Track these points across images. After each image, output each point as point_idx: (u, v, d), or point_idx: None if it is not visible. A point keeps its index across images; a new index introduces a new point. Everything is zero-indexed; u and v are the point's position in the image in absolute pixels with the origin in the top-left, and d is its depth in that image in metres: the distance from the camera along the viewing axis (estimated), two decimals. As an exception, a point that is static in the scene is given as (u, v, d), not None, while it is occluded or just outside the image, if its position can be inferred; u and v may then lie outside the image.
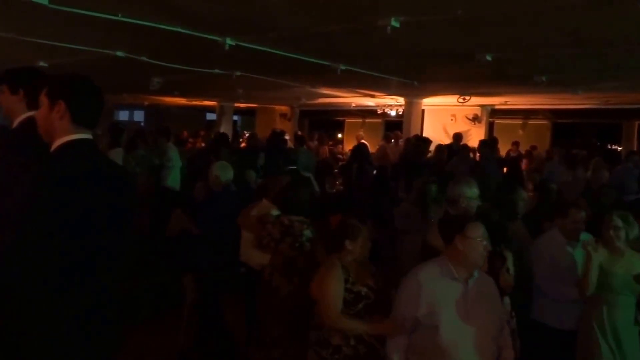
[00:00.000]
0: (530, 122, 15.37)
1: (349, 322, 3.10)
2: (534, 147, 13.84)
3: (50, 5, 4.38)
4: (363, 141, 12.31)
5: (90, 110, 2.17)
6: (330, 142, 14.31)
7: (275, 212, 3.98)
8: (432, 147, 9.64)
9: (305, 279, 3.74)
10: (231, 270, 4.70)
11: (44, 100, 2.13)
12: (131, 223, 2.26)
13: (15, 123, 2.60)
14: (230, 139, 10.02)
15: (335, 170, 9.15)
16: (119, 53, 6.85)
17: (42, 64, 8.02)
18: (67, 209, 1.95)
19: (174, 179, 7.66)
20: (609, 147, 16.42)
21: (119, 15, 4.82)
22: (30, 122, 2.56)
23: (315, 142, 14.13)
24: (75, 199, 1.98)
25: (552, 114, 14.77)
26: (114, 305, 2.17)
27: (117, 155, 7.32)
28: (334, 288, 3.12)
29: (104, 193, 2.09)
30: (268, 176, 4.89)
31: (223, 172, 4.86)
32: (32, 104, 2.58)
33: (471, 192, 3.89)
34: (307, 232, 3.76)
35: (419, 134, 11.83)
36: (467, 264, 2.81)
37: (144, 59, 7.21)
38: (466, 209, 3.77)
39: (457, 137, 10.64)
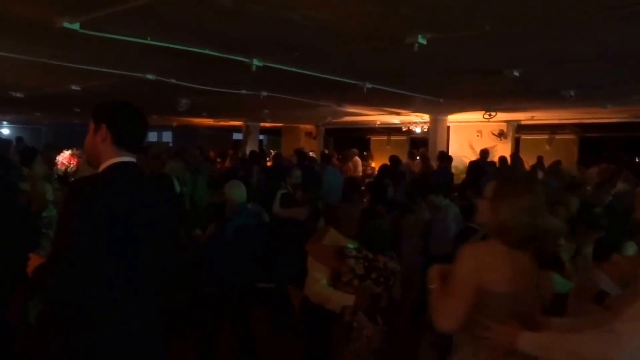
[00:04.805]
0: (557, 137, 15.16)
1: None
2: (558, 162, 13.55)
3: (82, 31, 4.49)
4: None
5: (132, 134, 2.24)
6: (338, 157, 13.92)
7: (351, 244, 3.63)
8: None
9: (389, 319, 3.46)
10: (247, 289, 4.67)
11: (90, 124, 2.24)
12: (171, 240, 2.35)
13: None
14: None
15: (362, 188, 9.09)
16: (148, 76, 6.98)
17: (74, 87, 8.24)
18: (109, 228, 2.02)
19: None
20: (637, 160, 16.03)
21: (149, 39, 4.92)
22: None
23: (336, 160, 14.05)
24: (117, 218, 2.04)
25: (579, 129, 14.55)
26: (159, 315, 2.27)
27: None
28: None
29: (144, 212, 2.16)
30: (337, 204, 4.77)
31: (237, 191, 4.83)
32: None
33: None
34: (392, 265, 3.51)
35: (445, 150, 11.78)
36: None
37: (173, 81, 7.34)
38: None
39: (484, 153, 10.57)
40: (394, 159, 9.82)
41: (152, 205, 2.23)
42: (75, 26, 4.42)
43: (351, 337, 3.41)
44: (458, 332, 2.38)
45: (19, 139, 15.56)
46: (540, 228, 2.24)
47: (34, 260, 2.11)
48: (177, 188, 6.41)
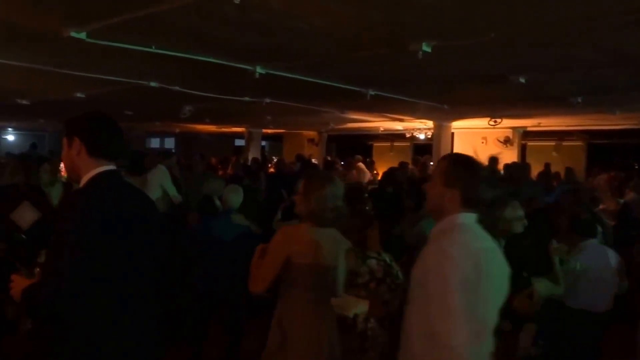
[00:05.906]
0: (564, 143, 15.03)
1: None
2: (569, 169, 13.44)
3: (88, 40, 4.52)
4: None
5: (105, 142, 2.19)
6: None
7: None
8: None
9: (396, 325, 3.47)
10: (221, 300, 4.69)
11: (64, 141, 2.20)
12: (159, 246, 2.30)
13: None
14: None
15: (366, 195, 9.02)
16: (152, 83, 6.98)
17: (79, 95, 8.24)
18: (100, 239, 1.97)
19: None
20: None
21: (153, 47, 4.92)
22: None
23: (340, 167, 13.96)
24: (107, 228, 2.00)
25: (587, 135, 14.41)
26: (155, 325, 2.23)
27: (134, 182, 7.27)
28: None
29: (133, 219, 2.12)
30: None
31: (233, 196, 4.84)
32: None
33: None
34: (398, 272, 3.45)
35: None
36: None
37: (177, 88, 7.33)
38: None
39: (493, 160, 10.44)
40: (400, 165, 9.73)
41: (141, 211, 2.20)
42: (82, 35, 4.45)
43: (366, 347, 3.39)
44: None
45: (32, 146, 15.28)
46: (340, 209, 2.90)
47: (18, 282, 2.03)
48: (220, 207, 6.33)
